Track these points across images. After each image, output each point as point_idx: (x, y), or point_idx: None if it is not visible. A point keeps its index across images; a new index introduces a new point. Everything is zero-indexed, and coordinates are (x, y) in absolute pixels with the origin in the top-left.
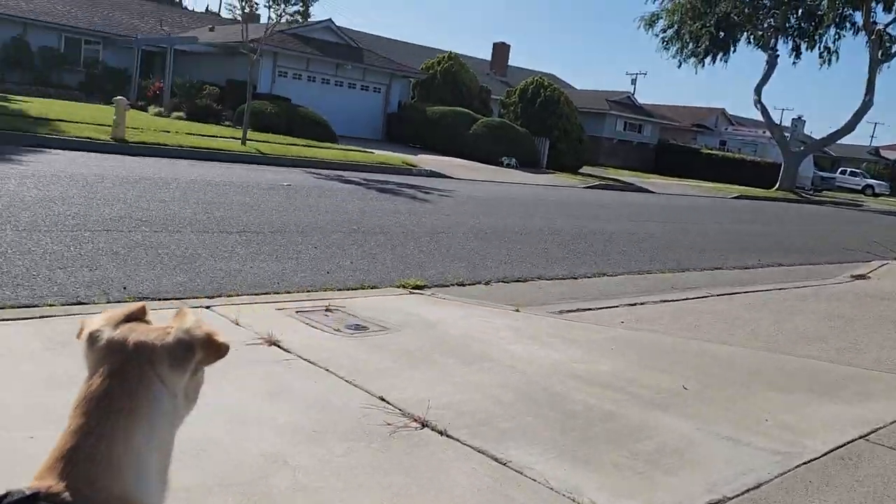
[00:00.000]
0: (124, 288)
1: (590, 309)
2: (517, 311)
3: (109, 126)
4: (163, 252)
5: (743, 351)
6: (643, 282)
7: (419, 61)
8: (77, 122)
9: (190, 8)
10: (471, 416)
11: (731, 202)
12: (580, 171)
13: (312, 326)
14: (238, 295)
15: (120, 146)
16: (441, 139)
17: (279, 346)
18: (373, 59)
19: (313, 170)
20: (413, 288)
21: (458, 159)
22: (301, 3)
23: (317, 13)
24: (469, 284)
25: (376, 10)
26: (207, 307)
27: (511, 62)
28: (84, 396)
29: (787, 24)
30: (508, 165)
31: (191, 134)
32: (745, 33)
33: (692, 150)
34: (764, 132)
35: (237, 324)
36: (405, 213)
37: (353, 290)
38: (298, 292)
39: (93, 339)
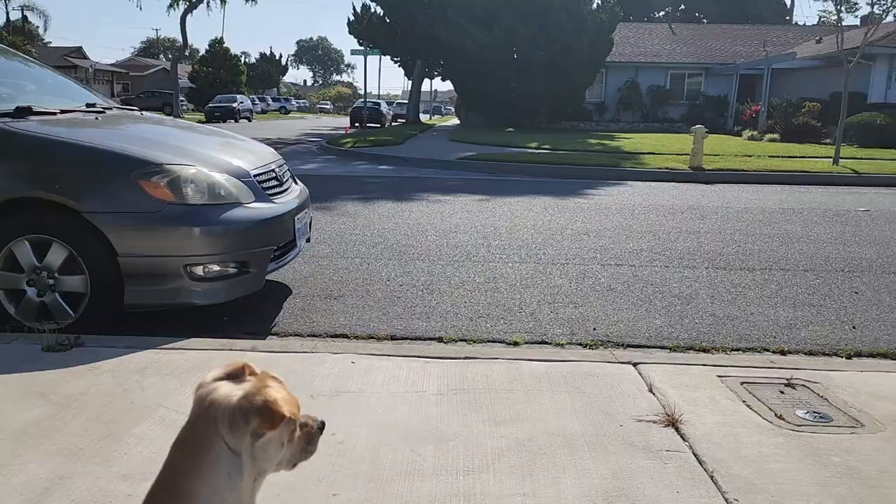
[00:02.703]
0: (594, 329)
1: None
2: None
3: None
4: (659, 291)
5: None
6: None
7: None
8: (662, 154)
9: (801, 22)
10: None
11: None
12: None
13: (748, 406)
14: (697, 350)
15: (695, 174)
16: None
17: (676, 430)
18: None
19: None
20: None
21: None
22: None
23: None
24: None
25: None
26: (635, 364)
27: None
28: (175, 439)
29: None
30: None
31: (774, 156)
32: None
33: None
34: None
35: (650, 390)
36: None
37: (869, 356)
38: (782, 353)
39: (195, 391)
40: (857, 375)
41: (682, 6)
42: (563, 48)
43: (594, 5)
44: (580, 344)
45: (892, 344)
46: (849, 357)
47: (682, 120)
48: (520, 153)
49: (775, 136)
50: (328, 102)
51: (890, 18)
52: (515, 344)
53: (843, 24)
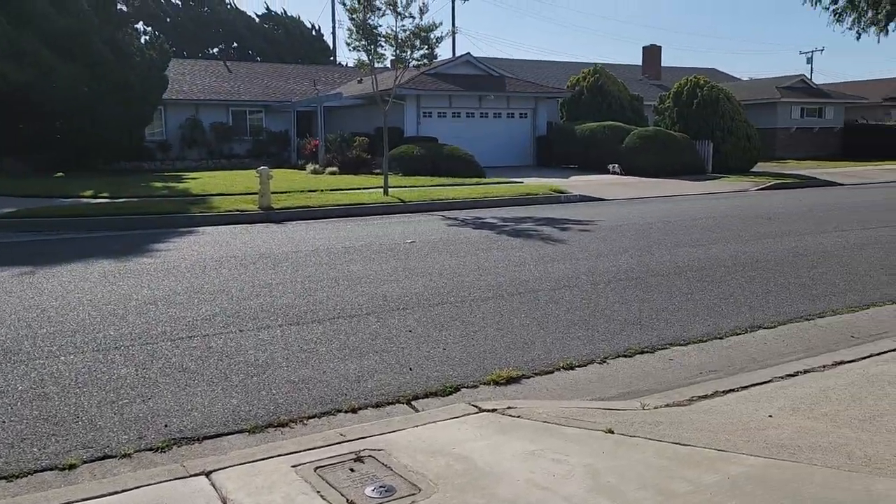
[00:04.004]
0: (165, 425)
1: (731, 390)
2: (609, 432)
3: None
4: (235, 361)
5: None
6: (811, 332)
7: (566, 79)
8: (232, 195)
9: (343, 63)
10: None
11: None
12: (753, 170)
13: (322, 497)
14: (276, 426)
15: (266, 214)
16: (594, 157)
17: None
18: (515, 86)
19: (452, 213)
20: (508, 380)
21: (614, 176)
22: (426, 48)
23: (462, 47)
24: (580, 366)
25: (518, 35)
26: (209, 473)
27: (666, 62)
28: None
29: None
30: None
31: (337, 190)
32: None
33: (885, 128)
34: None
35: None
36: (531, 264)
37: (425, 397)
38: (353, 411)
39: None
40: (414, 432)
41: (235, 44)
42: (111, 85)
43: (142, 40)
44: (150, 448)
45: (440, 381)
46: (409, 402)
47: (249, 155)
48: (73, 205)
49: (335, 168)
50: None
51: (413, 64)
52: (72, 467)
53: (377, 66)
